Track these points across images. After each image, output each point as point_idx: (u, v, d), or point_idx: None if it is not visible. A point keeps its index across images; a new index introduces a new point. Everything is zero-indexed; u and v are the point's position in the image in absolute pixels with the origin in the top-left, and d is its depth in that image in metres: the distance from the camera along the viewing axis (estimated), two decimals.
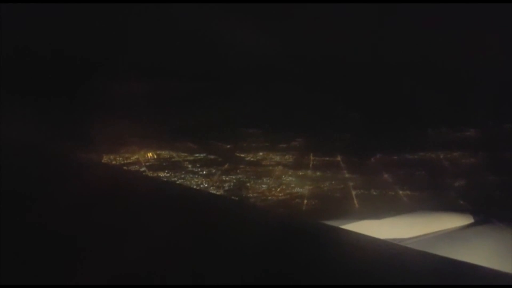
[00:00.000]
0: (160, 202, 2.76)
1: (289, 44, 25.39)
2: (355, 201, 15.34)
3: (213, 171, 18.00)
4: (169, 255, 2.02)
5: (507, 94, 18.46)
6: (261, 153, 19.83)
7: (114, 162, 18.07)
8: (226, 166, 18.43)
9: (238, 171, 18.01)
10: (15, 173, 2.75)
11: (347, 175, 17.36)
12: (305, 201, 15.46)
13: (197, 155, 19.60)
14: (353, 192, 15.90)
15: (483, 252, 3.59)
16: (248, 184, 17.01)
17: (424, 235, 4.16)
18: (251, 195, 16.02)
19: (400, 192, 15.87)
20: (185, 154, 19.60)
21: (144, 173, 16.50)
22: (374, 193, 15.88)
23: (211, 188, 16.20)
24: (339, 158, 18.95)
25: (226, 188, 16.63)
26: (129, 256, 1.98)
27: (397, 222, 4.51)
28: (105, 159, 18.19)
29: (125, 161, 18.68)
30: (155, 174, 16.98)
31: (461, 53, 22.34)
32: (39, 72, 19.54)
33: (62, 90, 19.94)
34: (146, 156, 19.46)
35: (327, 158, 19.03)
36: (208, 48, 25.45)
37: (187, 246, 2.15)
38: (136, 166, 18.02)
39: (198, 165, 18.57)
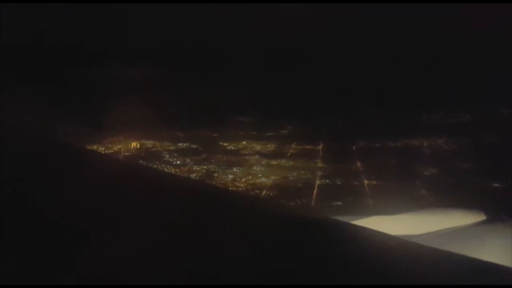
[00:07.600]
0: (153, 192, 2.77)
1: (285, 28, 24.96)
2: (315, 191, 14.85)
3: (188, 161, 17.90)
4: (165, 252, 1.99)
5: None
6: (244, 142, 19.56)
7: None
8: (203, 156, 18.29)
9: (212, 160, 17.83)
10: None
11: (319, 164, 16.85)
12: (264, 192, 15.09)
13: (180, 144, 19.51)
14: (317, 182, 15.40)
15: (495, 249, 3.55)
16: (216, 174, 16.79)
17: (436, 232, 4.12)
18: None
19: (365, 181, 15.23)
20: (168, 144, 19.57)
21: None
22: (338, 182, 15.32)
23: None
24: (320, 147, 18.43)
25: (193, 178, 16.42)
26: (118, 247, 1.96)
27: (409, 218, 4.51)
28: (88, 148, 18.40)
29: (107, 151, 18.83)
30: None
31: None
32: (20, 60, 20.03)
33: (46, 78, 20.36)
34: (129, 145, 19.58)
35: (308, 147, 18.54)
36: (202, 35, 25.41)
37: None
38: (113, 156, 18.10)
39: (175, 155, 18.51)
